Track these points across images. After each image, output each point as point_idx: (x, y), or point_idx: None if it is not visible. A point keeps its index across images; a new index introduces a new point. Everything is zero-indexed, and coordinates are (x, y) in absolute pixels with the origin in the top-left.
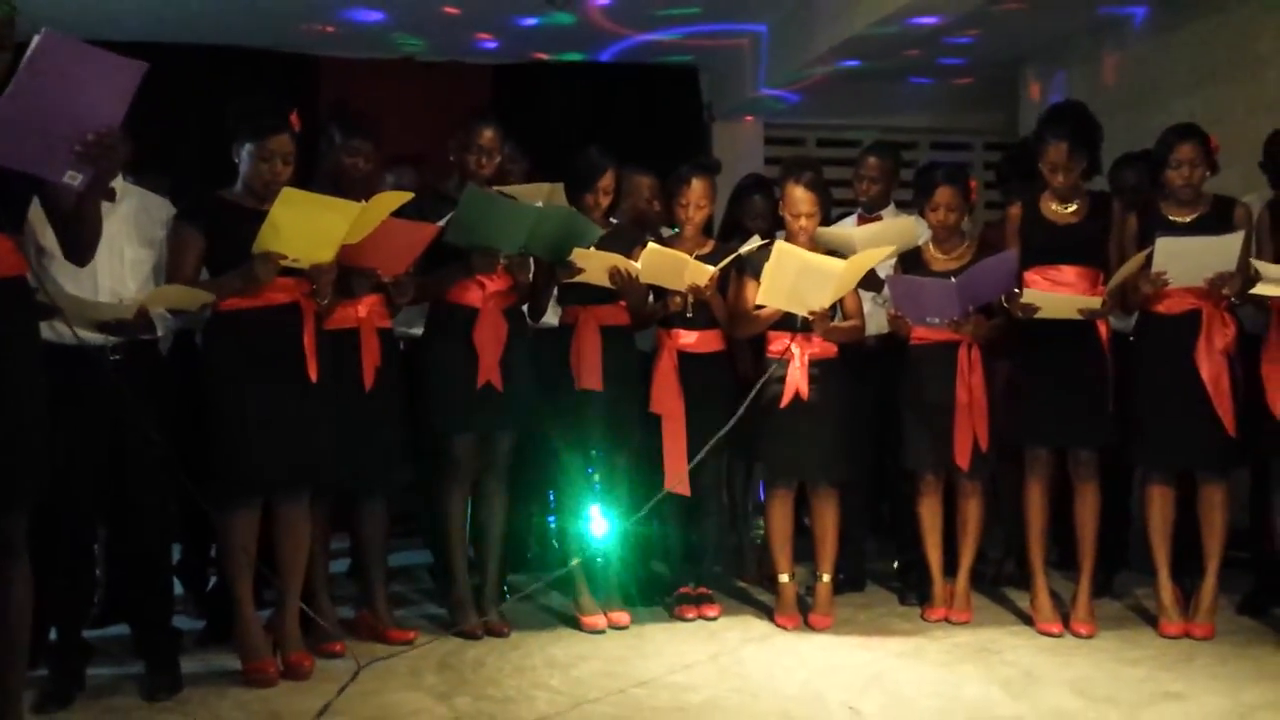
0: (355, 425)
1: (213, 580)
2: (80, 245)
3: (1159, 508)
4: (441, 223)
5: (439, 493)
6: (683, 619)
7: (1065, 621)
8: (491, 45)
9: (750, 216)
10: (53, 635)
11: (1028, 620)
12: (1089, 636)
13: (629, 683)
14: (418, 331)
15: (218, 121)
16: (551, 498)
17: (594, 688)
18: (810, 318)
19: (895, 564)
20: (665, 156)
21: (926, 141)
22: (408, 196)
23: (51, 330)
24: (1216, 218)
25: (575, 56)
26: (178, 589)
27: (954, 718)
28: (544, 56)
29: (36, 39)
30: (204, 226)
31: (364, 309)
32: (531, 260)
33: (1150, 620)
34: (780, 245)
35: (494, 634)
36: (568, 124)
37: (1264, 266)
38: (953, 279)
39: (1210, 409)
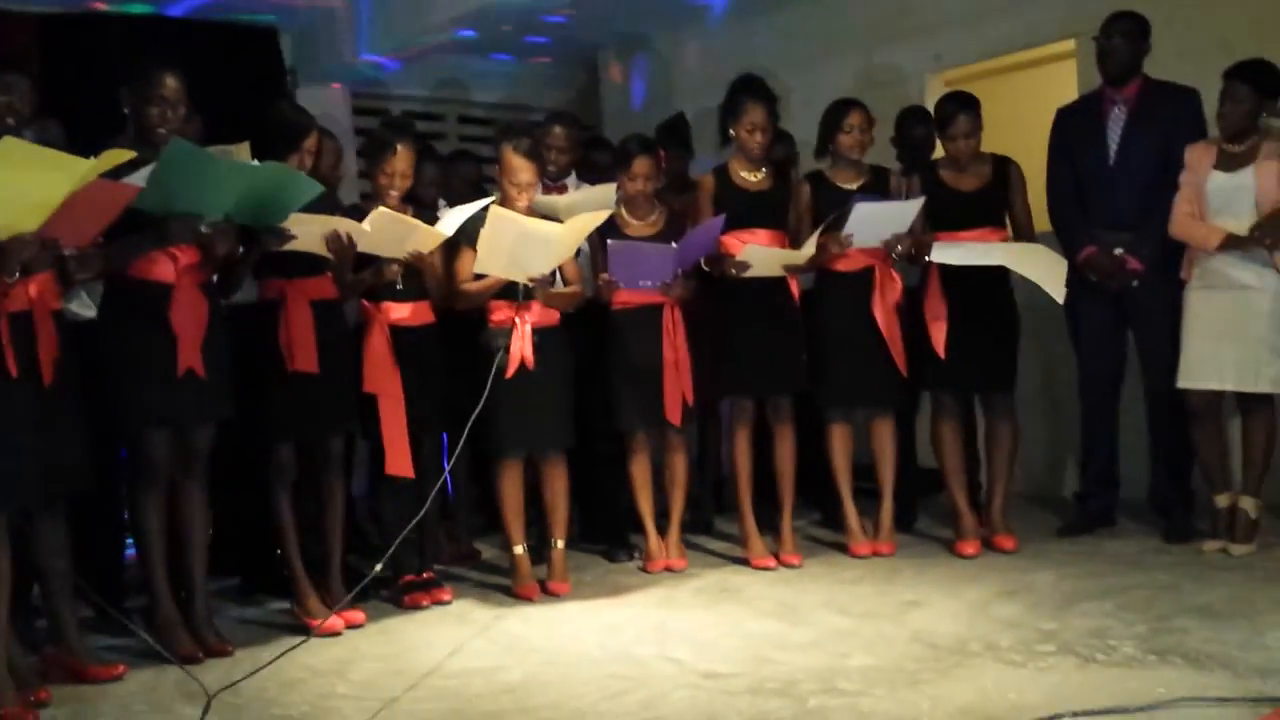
0: (36, 426)
1: None
2: None
3: (841, 443)
4: (139, 182)
5: (132, 499)
6: (418, 607)
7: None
8: None
9: (421, 184)
10: None
11: (733, 559)
12: (799, 566)
13: (423, 674)
14: (89, 314)
15: None
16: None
17: (390, 687)
18: (531, 284)
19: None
20: (247, 121)
21: (504, 117)
22: (132, 154)
23: None
24: (876, 183)
25: (141, 9)
26: None
27: (762, 650)
28: (103, 6)
29: None
30: None
31: (35, 288)
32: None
33: (832, 545)
34: (495, 210)
35: (216, 654)
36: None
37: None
38: (673, 244)
39: (885, 354)
